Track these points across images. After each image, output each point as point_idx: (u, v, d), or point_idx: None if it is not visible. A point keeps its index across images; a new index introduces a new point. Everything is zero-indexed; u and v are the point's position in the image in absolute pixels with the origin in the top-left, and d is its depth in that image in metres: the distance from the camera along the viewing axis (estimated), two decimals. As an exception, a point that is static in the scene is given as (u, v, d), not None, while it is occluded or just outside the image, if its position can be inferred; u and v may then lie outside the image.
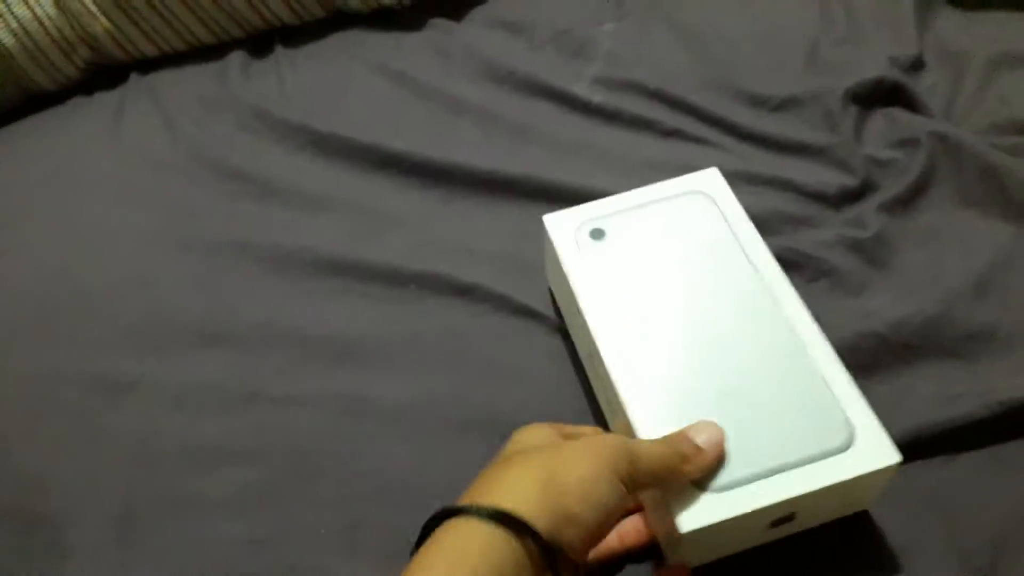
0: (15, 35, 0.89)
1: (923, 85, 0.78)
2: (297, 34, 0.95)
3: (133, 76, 0.93)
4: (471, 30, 0.92)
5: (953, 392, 0.59)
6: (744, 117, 0.77)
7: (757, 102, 0.78)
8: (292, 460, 0.59)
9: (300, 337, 0.67)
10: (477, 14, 0.94)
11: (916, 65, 0.79)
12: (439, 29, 0.92)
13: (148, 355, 0.66)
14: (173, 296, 0.70)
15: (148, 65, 0.95)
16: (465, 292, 0.68)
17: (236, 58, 0.93)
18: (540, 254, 0.70)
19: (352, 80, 0.88)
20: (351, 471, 0.58)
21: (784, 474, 0.47)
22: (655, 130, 0.78)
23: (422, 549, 0.39)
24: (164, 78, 0.93)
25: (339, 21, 0.96)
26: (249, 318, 0.68)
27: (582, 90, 0.82)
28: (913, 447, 0.56)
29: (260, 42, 0.96)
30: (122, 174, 0.81)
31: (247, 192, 0.77)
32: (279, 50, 0.94)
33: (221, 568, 0.54)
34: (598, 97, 0.81)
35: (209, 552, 0.55)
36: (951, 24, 0.83)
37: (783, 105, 0.77)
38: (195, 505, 0.58)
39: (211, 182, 0.79)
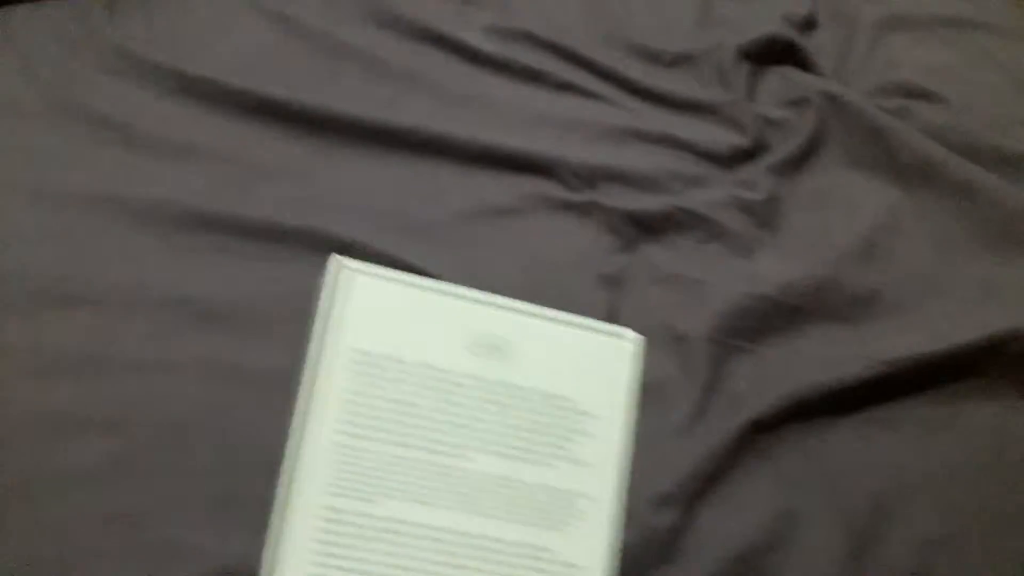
0: None
1: (814, 44, 0.78)
2: (170, -29, 0.88)
3: (-14, 11, 0.85)
4: (359, -28, 0.87)
5: (837, 354, 0.59)
6: (637, 72, 0.75)
7: (650, 57, 0.76)
8: (158, 429, 0.55)
9: (167, 298, 0.62)
10: (365, -45, 0.89)
11: (808, 23, 0.79)
12: (324, -30, 0.87)
13: (4, 318, 0.60)
14: (26, 252, 0.63)
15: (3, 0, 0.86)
16: (342, 250, 0.63)
17: (100, -7, 0.85)
18: (426, 209, 0.67)
19: (227, 20, 0.82)
20: (223, 441, 0.54)
21: None
22: (547, 82, 0.76)
23: None
24: (19, 14, 0.85)
25: (215, -43, 0.89)
26: (111, 277, 0.62)
27: (473, 38, 0.79)
28: (797, 410, 0.57)
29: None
30: (-30, 117, 0.74)
31: (110, 139, 0.71)
32: (150, -13, 0.87)
33: (86, 547, 0.50)
34: (489, 46, 0.78)
35: (72, 530, 0.51)
36: (844, -16, 0.83)
37: (676, 61, 0.76)
38: (54, 480, 0.53)
39: (70, 128, 0.72)
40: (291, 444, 0.37)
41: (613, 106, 0.74)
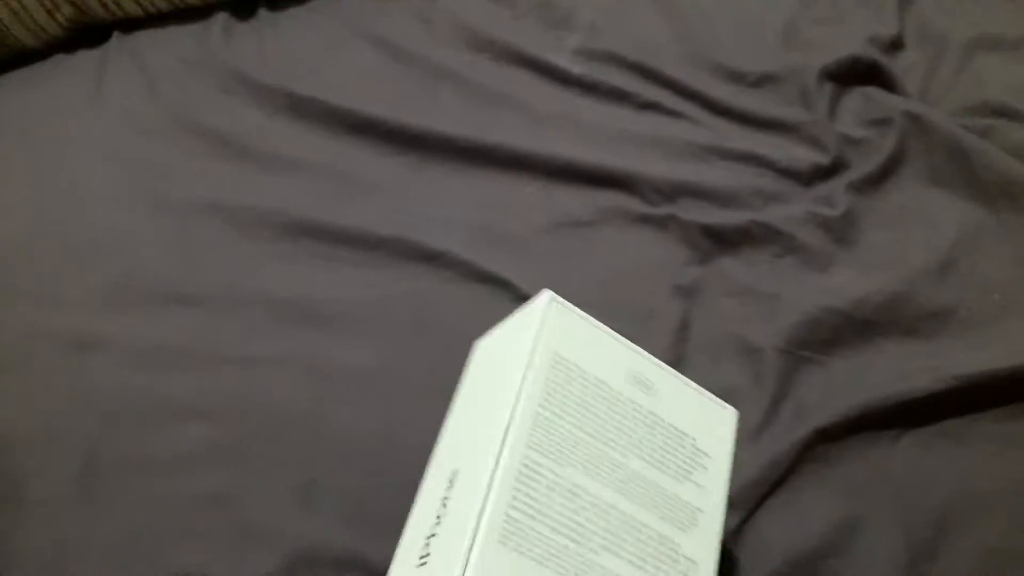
0: (-2, -9, 0.89)
1: (901, 65, 0.78)
2: (281, -2, 0.95)
3: (116, 35, 0.93)
4: (461, -2, 0.92)
5: (908, 368, 0.60)
6: (720, 92, 0.77)
7: (734, 77, 0.78)
8: (254, 420, 0.60)
9: (267, 299, 0.67)
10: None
11: (895, 45, 0.79)
12: (424, -3, 0.92)
13: (117, 313, 0.66)
14: (145, 256, 0.70)
15: (132, 24, 0.94)
16: (434, 258, 0.68)
17: (219, 19, 0.92)
18: (511, 222, 0.71)
19: (333, 44, 0.88)
20: (313, 433, 0.59)
21: None
22: (632, 102, 0.79)
23: None
24: (147, 38, 0.93)
25: (325, -13, 0.96)
26: (218, 279, 0.68)
27: (562, 60, 0.83)
28: (864, 421, 0.58)
29: (244, 4, 0.95)
30: (101, 133, 0.81)
31: (223, 154, 0.77)
32: (262, 13, 0.94)
33: (178, 524, 0.55)
34: (577, 68, 0.82)
35: (167, 508, 0.56)
36: (933, 4, 0.83)
37: (759, 81, 0.78)
38: (155, 462, 0.58)
39: (189, 143, 0.79)
40: (501, 412, 0.45)
41: (695, 124, 0.76)
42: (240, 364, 0.63)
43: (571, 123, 0.78)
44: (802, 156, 0.72)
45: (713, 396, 0.52)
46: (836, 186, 0.70)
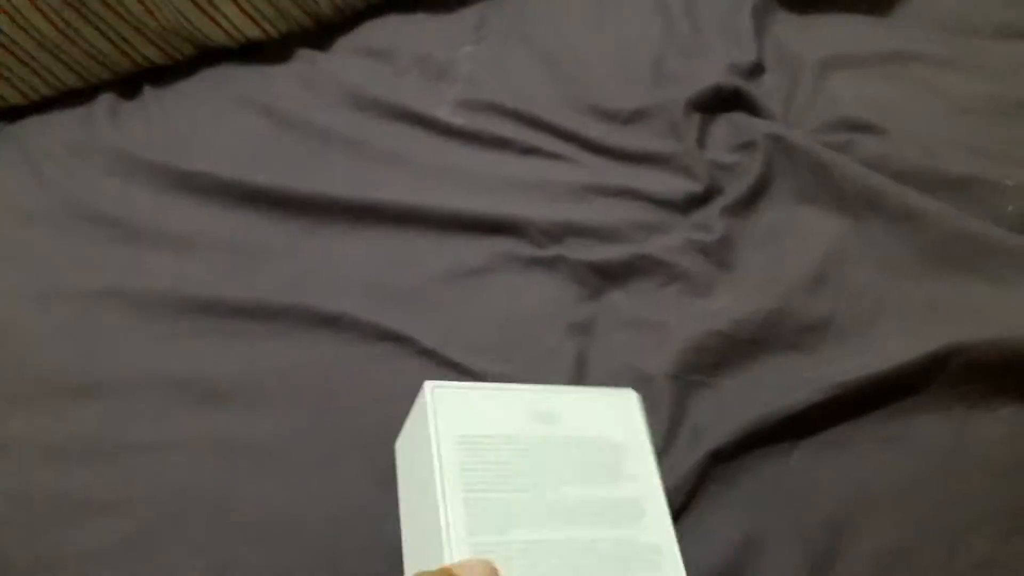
0: None
1: (762, 89, 0.82)
2: (166, 74, 0.96)
3: (0, 125, 0.93)
4: (336, 59, 0.94)
5: (791, 381, 0.63)
6: (596, 131, 0.80)
7: (608, 116, 0.81)
8: (163, 506, 0.60)
9: (169, 381, 0.67)
10: (342, 43, 0.96)
11: (755, 70, 0.84)
12: (305, 60, 0.94)
13: (15, 412, 0.66)
14: (40, 349, 0.70)
15: (15, 113, 0.94)
16: (332, 322, 0.69)
17: (104, 101, 0.93)
18: (406, 275, 0.72)
19: (219, 116, 0.88)
20: (222, 512, 0.59)
21: None
22: (514, 148, 0.81)
23: None
24: (32, 125, 0.93)
25: (208, 58, 0.97)
26: (118, 365, 0.68)
27: (444, 113, 0.85)
28: (756, 438, 0.60)
29: (129, 83, 0.96)
30: (-12, 227, 0.81)
31: (114, 237, 0.77)
32: (147, 91, 0.94)
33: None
34: (459, 119, 0.84)
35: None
36: (787, 28, 0.88)
37: (632, 118, 0.81)
38: (67, 561, 0.58)
39: (78, 229, 0.79)
40: (433, 515, 0.48)
41: (575, 165, 0.79)
42: (146, 451, 0.63)
43: (457, 173, 0.80)
44: (677, 186, 0.76)
45: (609, 389, 0.57)
46: (711, 212, 0.74)
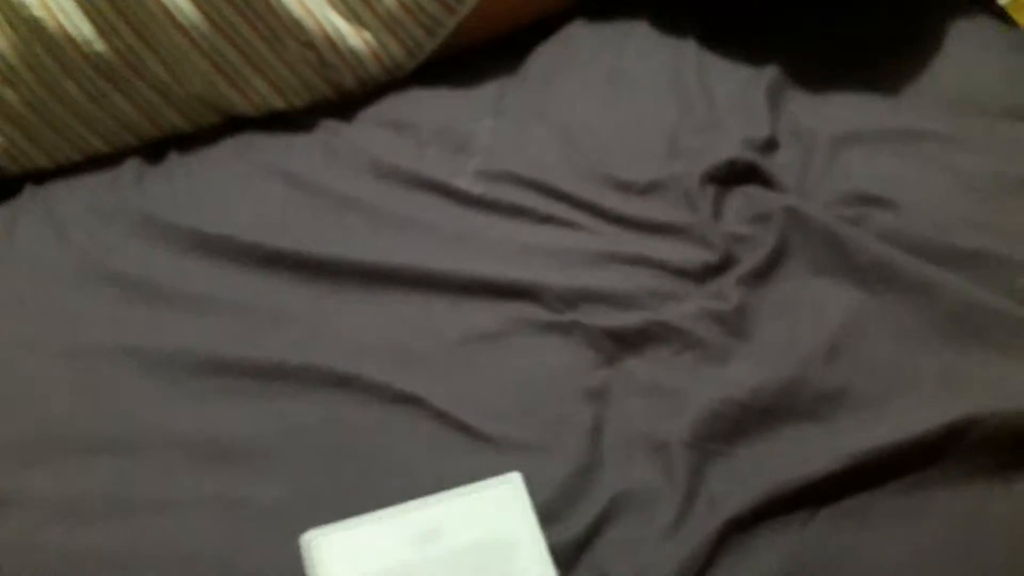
0: (-95, 154, 0.91)
1: (776, 163, 0.84)
2: (191, 141, 0.98)
3: (28, 187, 0.95)
4: (359, 130, 0.96)
5: (807, 451, 0.62)
6: (612, 201, 0.81)
7: (623, 187, 0.83)
8: (170, 567, 0.60)
9: (182, 441, 0.68)
10: (365, 115, 0.98)
11: (770, 145, 0.85)
12: (328, 130, 0.96)
13: (30, 468, 0.66)
14: (56, 405, 0.70)
15: (43, 176, 0.96)
16: (347, 383, 0.70)
17: (130, 166, 0.95)
18: (421, 339, 0.73)
19: (242, 182, 0.90)
20: (227, 573, 0.58)
21: None
22: (531, 217, 0.82)
23: None
24: (59, 188, 0.94)
25: (233, 126, 0.99)
26: (131, 424, 0.68)
27: (463, 182, 0.86)
28: (772, 507, 0.60)
29: (155, 149, 0.98)
30: (11, 286, 0.82)
31: (133, 297, 0.79)
32: (173, 157, 0.96)
33: None
34: (478, 188, 0.85)
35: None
36: (801, 106, 0.90)
37: (647, 189, 0.82)
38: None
39: (99, 289, 0.80)
40: None
41: (591, 233, 0.80)
42: (156, 510, 0.63)
43: (475, 240, 0.81)
44: (692, 256, 0.76)
45: (491, 480, 0.56)
46: (727, 281, 0.74)
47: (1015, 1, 1.27)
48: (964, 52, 0.92)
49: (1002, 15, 1.01)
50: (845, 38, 0.96)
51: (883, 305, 0.71)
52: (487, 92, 0.97)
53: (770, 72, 0.91)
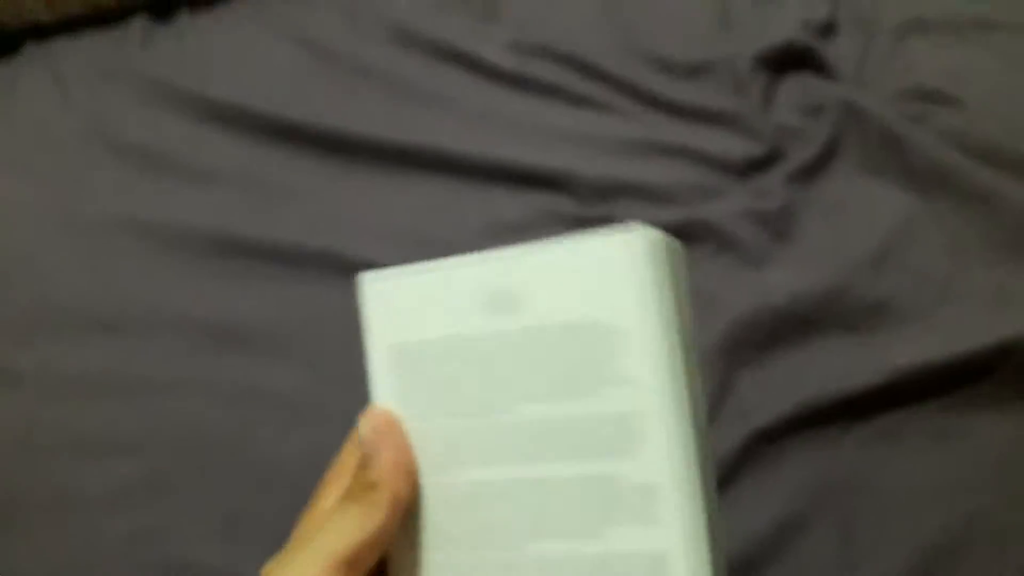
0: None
1: (835, 50, 0.77)
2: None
3: (29, 44, 0.89)
4: (382, -9, 0.89)
5: (845, 363, 0.59)
6: (654, 83, 0.75)
7: (667, 67, 0.76)
8: (177, 451, 0.58)
9: (190, 321, 0.65)
10: (390, -25, 0.91)
11: (828, 29, 0.78)
12: (350, -8, 0.89)
13: (33, 343, 0.64)
14: (60, 279, 0.67)
15: (45, 32, 0.90)
16: (363, 270, 0.66)
17: (138, 25, 0.89)
18: (443, 226, 0.69)
19: (256, 46, 0.84)
20: (238, 461, 0.57)
21: None
22: (563, 97, 0.77)
23: None
24: (61, 47, 0.89)
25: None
26: (137, 302, 0.66)
27: (491, 54, 0.80)
28: (804, 420, 0.57)
29: (164, 5, 0.91)
30: (12, 147, 0.78)
31: (141, 166, 0.75)
32: (183, 15, 0.90)
33: (103, 563, 0.53)
34: (508, 62, 0.79)
35: (91, 547, 0.54)
36: (865, -13, 0.82)
37: (693, 71, 0.76)
38: (78, 499, 0.56)
39: (104, 156, 0.76)
40: None
41: (629, 119, 0.74)
42: (162, 392, 0.61)
43: (502, 120, 0.76)
44: (738, 148, 0.71)
45: (601, 235, 0.36)
46: (773, 178, 0.69)
47: None
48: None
49: None
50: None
51: (938, 212, 0.66)
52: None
53: (832, -54, 0.83)
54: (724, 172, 0.70)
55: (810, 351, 0.60)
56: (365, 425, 0.37)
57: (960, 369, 0.58)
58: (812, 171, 0.69)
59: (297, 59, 0.82)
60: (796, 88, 0.76)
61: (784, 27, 0.77)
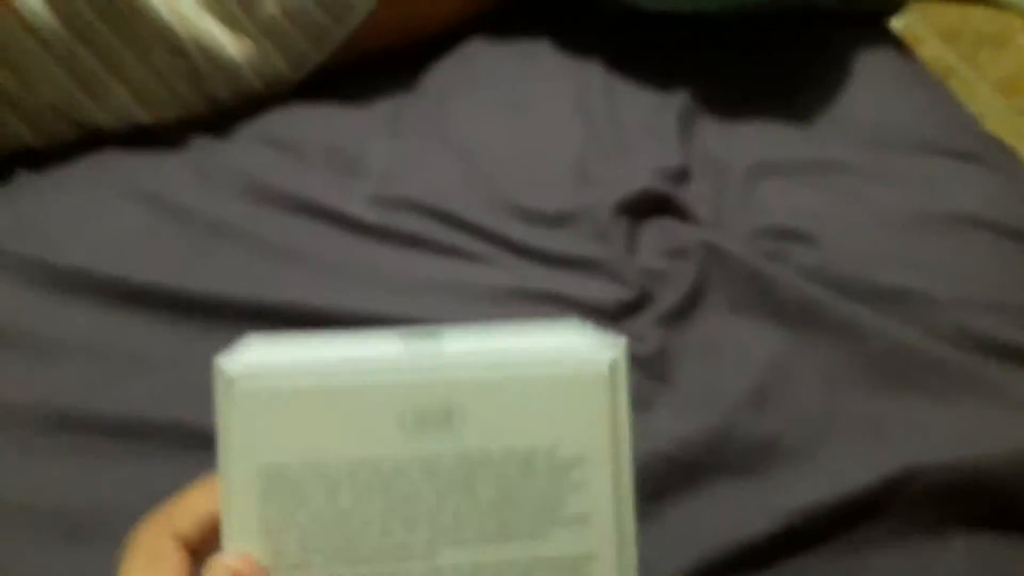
0: None
1: (690, 194, 0.79)
2: (42, 158, 0.86)
3: None
4: (237, 148, 0.86)
5: (740, 509, 0.57)
6: (518, 232, 0.75)
7: (530, 217, 0.76)
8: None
9: (24, 509, 0.57)
10: (244, 131, 0.89)
11: (682, 175, 0.81)
12: (202, 148, 0.86)
13: None
14: None
15: None
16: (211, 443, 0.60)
17: (-32, 190, 0.82)
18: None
19: (101, 206, 0.79)
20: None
21: None
22: (430, 248, 0.75)
23: None
24: None
25: (91, 142, 0.88)
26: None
27: (355, 208, 0.78)
28: (706, 573, 0.54)
29: (1, 169, 0.86)
30: None
31: (-33, 339, 0.67)
32: (20, 175, 0.84)
33: None
34: (371, 215, 0.77)
35: None
36: (712, 134, 0.86)
37: (556, 220, 0.76)
38: None
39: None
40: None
41: (496, 267, 0.73)
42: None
43: (368, 273, 0.73)
44: (606, 293, 0.71)
45: (555, 343, 0.30)
46: (644, 322, 0.69)
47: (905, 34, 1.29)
48: (873, 84, 0.91)
49: (901, 47, 1.01)
50: (753, 66, 0.93)
51: (809, 346, 0.67)
52: (380, 110, 0.89)
53: (679, 99, 0.87)
54: (596, 318, 0.69)
55: (702, 499, 0.58)
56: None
57: (852, 508, 0.57)
58: (682, 313, 0.70)
59: (145, 219, 0.77)
60: (658, 233, 0.77)
61: (639, 176, 0.79)
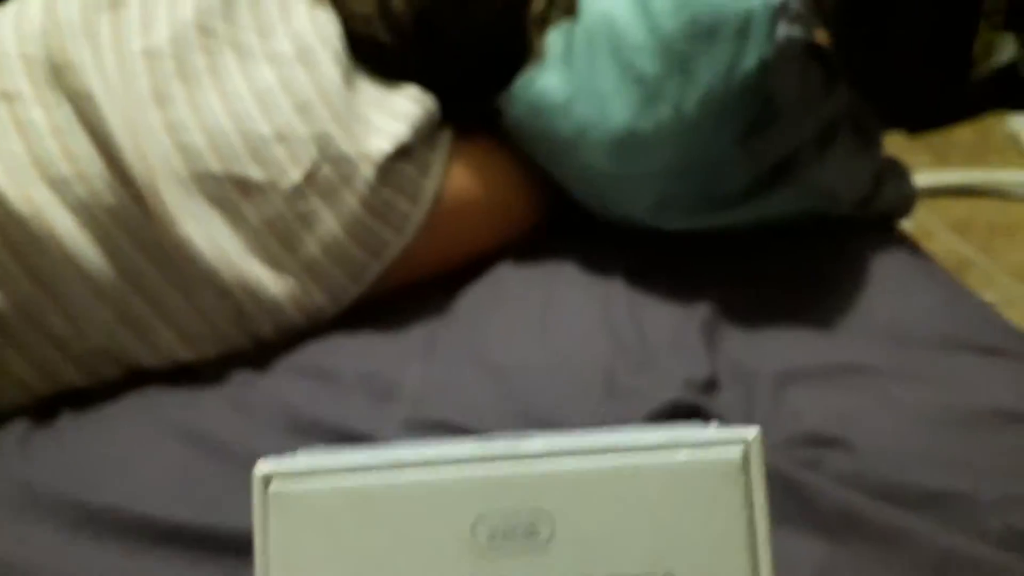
0: None
1: (720, 404, 0.80)
2: (87, 398, 0.89)
3: None
4: (275, 381, 0.89)
5: None
6: (550, 450, 0.75)
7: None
8: None
9: None
10: (282, 363, 0.92)
11: (711, 385, 0.82)
12: (240, 382, 0.89)
13: None
14: None
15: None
16: None
17: (16, 429, 0.85)
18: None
19: (140, 445, 0.82)
20: None
21: None
22: (464, 469, 0.75)
23: None
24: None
25: (134, 380, 0.91)
26: None
27: (389, 433, 0.80)
28: None
29: (47, 408, 0.89)
30: None
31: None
32: (65, 416, 0.87)
33: None
34: (406, 438, 0.79)
35: None
36: (737, 343, 0.88)
37: (588, 436, 0.77)
38: None
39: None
40: None
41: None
42: None
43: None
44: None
45: (672, 439, 0.25)
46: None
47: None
48: (889, 284, 0.93)
49: (914, 247, 1.04)
50: (771, 274, 0.96)
51: (853, 556, 0.65)
52: (414, 335, 0.93)
53: (702, 310, 0.90)
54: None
55: None
56: None
57: None
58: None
59: (184, 455, 0.79)
60: (691, 444, 0.77)
61: (668, 388, 0.80)
